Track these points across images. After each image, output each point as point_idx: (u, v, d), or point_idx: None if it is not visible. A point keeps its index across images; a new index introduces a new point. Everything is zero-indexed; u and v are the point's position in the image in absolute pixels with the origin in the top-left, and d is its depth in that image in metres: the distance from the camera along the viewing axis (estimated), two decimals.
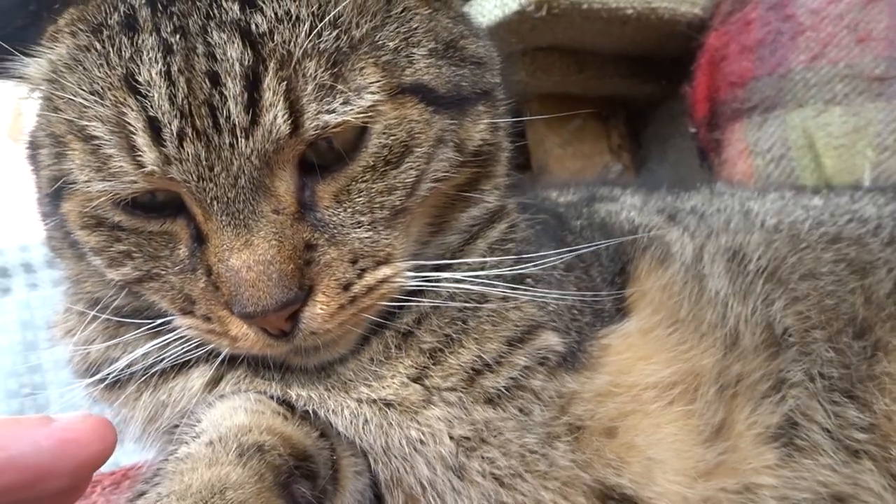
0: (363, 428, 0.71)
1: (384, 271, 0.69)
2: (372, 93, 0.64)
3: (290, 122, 0.61)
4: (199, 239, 0.66)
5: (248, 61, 0.61)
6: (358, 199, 0.67)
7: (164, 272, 0.68)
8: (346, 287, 0.67)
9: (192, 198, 0.64)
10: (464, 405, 0.71)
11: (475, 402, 0.71)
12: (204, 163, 0.62)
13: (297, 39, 0.61)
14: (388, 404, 0.71)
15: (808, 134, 1.59)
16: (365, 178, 0.67)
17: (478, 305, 0.74)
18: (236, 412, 0.69)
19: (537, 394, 0.73)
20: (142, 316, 0.75)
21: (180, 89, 0.61)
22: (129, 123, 0.62)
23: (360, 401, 0.71)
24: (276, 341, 0.66)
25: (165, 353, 0.72)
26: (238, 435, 0.64)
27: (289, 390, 0.72)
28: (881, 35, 1.53)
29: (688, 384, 0.79)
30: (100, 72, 0.63)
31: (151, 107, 0.61)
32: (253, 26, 0.61)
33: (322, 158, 0.66)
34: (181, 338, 0.71)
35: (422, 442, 0.70)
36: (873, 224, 0.96)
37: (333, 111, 0.62)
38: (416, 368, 0.72)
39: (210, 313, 0.67)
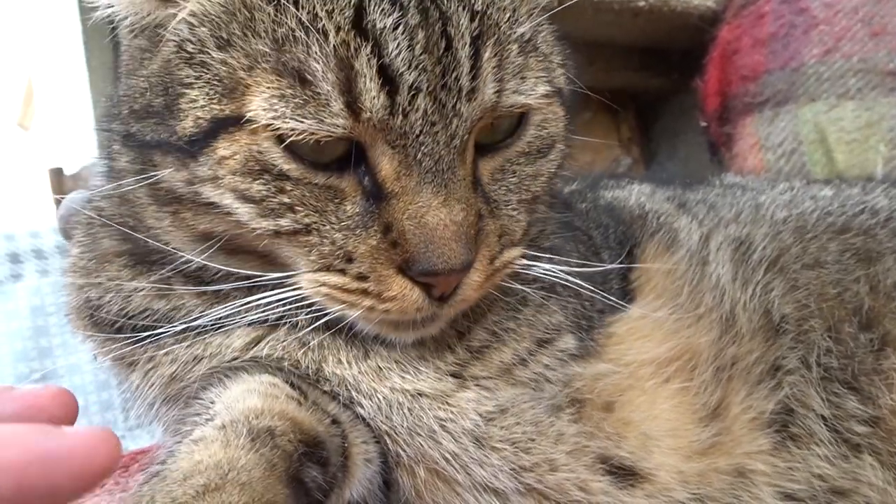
0: (391, 411, 0.72)
1: (513, 252, 0.73)
2: (542, 85, 0.70)
3: (495, 94, 0.66)
4: (377, 196, 0.66)
5: (474, 32, 0.65)
6: (511, 180, 0.73)
7: (325, 227, 0.67)
8: (492, 261, 0.70)
9: (389, 153, 0.65)
10: (496, 389, 0.75)
11: (504, 385, 0.75)
12: (429, 119, 0.64)
13: (503, 23, 0.68)
14: (421, 394, 0.73)
15: (820, 128, 1.57)
16: (518, 162, 0.73)
17: (521, 308, 0.79)
18: (250, 395, 0.69)
19: (549, 378, 0.77)
20: (213, 280, 0.74)
21: (418, 44, 0.63)
22: (358, 66, 0.62)
23: (393, 389, 0.73)
24: (431, 305, 0.68)
25: (252, 313, 0.71)
26: (250, 418, 0.64)
27: (324, 365, 0.73)
28: None
29: (684, 362, 0.80)
30: (322, 10, 0.62)
31: (387, 55, 0.62)
32: (474, 2, 0.66)
33: (482, 138, 0.70)
34: (288, 298, 0.70)
35: (451, 420, 0.72)
36: (884, 215, 0.94)
37: (522, 93, 0.68)
38: (459, 365, 0.75)
39: (370, 272, 0.67)
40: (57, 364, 1.98)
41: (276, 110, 0.63)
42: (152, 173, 0.70)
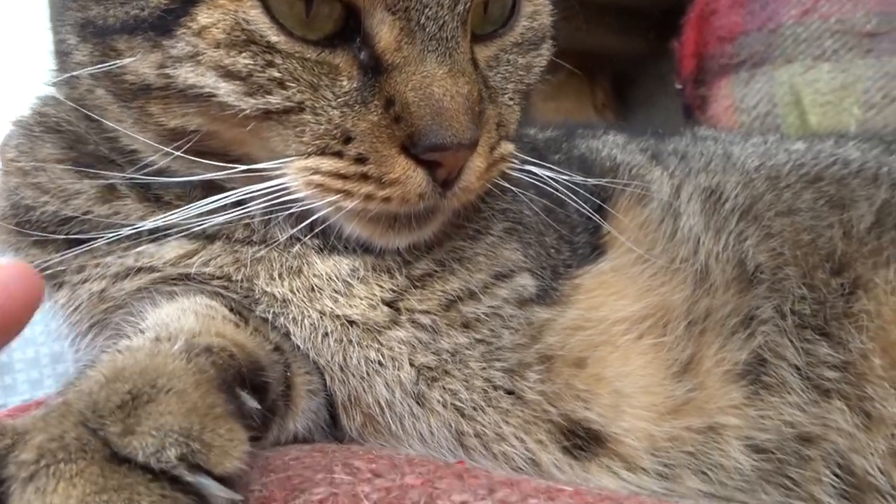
0: (322, 341, 0.68)
1: (509, 147, 0.71)
2: None
3: None
4: (376, 70, 0.63)
5: None
6: (506, 68, 0.72)
7: (320, 105, 0.62)
8: (491, 150, 0.68)
9: (389, 20, 0.61)
10: (436, 329, 0.70)
11: (450, 325, 0.71)
12: None
13: None
14: (352, 322, 0.69)
15: (796, 90, 1.56)
16: (513, 52, 0.73)
17: (479, 236, 0.76)
18: (185, 314, 0.64)
19: (506, 320, 0.73)
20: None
21: None
22: None
23: (322, 313, 0.68)
24: (435, 191, 0.64)
25: (214, 216, 0.66)
26: (187, 335, 0.59)
27: (255, 282, 0.69)
28: None
29: (657, 318, 0.78)
30: None
31: None
32: None
33: (475, 27, 0.68)
34: (267, 194, 0.64)
35: (381, 364, 0.68)
36: (856, 165, 0.93)
37: None
38: (395, 292, 0.70)
39: (371, 152, 0.62)
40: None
41: None
42: (115, 62, 0.64)
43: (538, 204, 0.80)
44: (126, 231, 0.68)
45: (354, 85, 0.62)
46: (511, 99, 0.72)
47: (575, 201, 0.77)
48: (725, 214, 0.88)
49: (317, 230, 0.68)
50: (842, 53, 1.52)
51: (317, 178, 0.63)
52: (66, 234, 0.71)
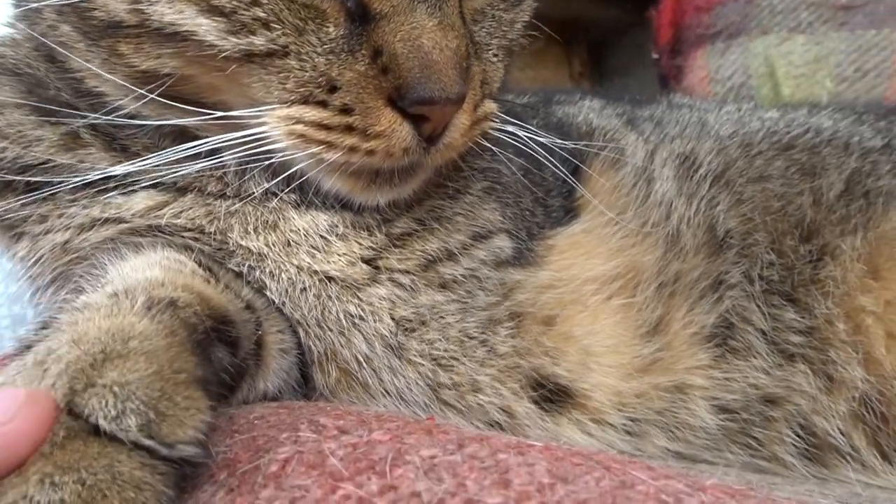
0: (299, 296, 0.67)
1: (492, 105, 0.70)
2: None
3: None
4: (363, 18, 0.61)
5: None
6: (491, 24, 0.72)
7: (305, 50, 0.60)
8: (475, 107, 0.67)
9: None
10: (415, 289, 0.70)
11: (428, 285, 0.71)
12: None
13: None
14: (330, 278, 0.68)
15: (770, 62, 1.56)
16: (497, 7, 0.72)
17: (458, 195, 0.75)
18: (151, 267, 0.62)
19: (482, 281, 0.73)
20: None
21: None
22: None
23: (299, 268, 0.67)
24: (419, 146, 0.62)
25: (182, 165, 0.64)
26: (148, 288, 0.57)
27: (229, 235, 0.67)
28: None
29: (628, 279, 0.79)
30: None
31: None
32: None
33: None
34: (245, 142, 0.62)
35: (361, 318, 0.68)
36: (828, 134, 0.94)
37: None
38: (374, 251, 0.69)
39: (356, 103, 0.60)
40: None
41: None
42: None
43: (516, 164, 0.80)
44: (93, 176, 0.66)
45: (341, 32, 0.61)
46: (495, 55, 0.71)
47: (552, 163, 0.77)
48: (698, 180, 0.88)
49: (294, 184, 0.67)
50: (816, 26, 1.53)
51: (299, 127, 0.62)
52: (27, 184, 0.68)
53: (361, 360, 0.68)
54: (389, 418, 0.56)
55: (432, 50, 0.59)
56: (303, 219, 0.68)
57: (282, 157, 0.64)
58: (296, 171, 0.65)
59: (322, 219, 0.69)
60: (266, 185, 0.67)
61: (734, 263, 0.82)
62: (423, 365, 0.69)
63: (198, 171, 0.66)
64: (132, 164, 0.65)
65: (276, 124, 0.62)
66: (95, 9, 0.61)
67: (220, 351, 0.58)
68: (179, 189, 0.68)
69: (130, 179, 0.67)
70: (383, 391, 0.69)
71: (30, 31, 0.69)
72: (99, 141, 0.69)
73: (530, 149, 0.75)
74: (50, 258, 0.69)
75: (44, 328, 0.55)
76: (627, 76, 2.11)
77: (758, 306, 0.80)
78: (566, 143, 0.81)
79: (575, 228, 0.83)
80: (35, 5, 0.66)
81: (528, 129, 0.74)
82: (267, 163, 0.65)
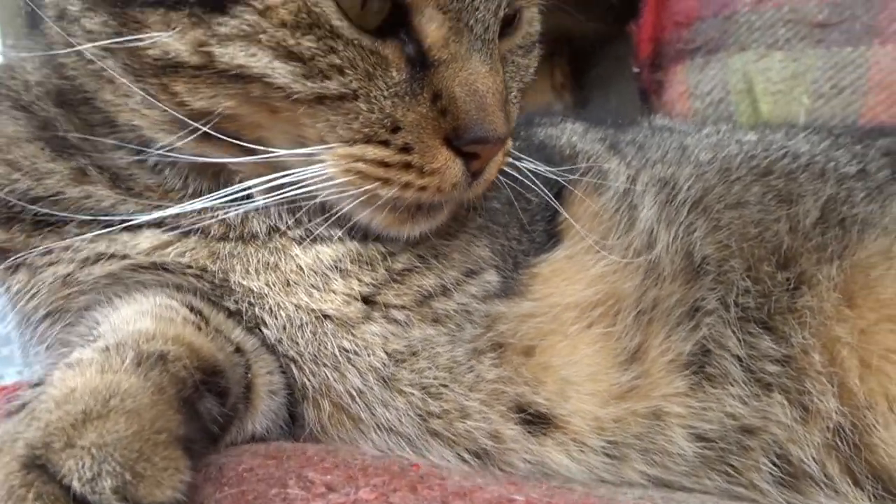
0: (297, 332, 0.69)
1: (510, 143, 0.74)
2: None
3: None
4: (423, 64, 0.66)
5: None
6: (511, 68, 0.77)
7: (374, 94, 0.64)
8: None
9: (439, 18, 0.64)
10: (409, 323, 0.72)
11: (422, 320, 0.73)
12: None
13: None
14: (326, 316, 0.70)
15: (748, 78, 1.58)
16: (517, 53, 0.78)
17: (457, 233, 0.78)
18: (142, 317, 0.63)
19: (471, 314, 0.76)
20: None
21: None
22: None
23: (298, 306, 0.69)
24: (465, 181, 0.68)
25: (242, 202, 0.67)
26: (139, 342, 0.58)
27: (230, 275, 0.69)
28: None
29: (608, 306, 0.80)
30: None
31: None
32: None
33: None
34: (303, 179, 0.65)
35: (355, 353, 0.70)
36: (805, 159, 0.95)
37: None
38: (374, 287, 0.72)
39: (416, 142, 0.65)
40: None
41: None
42: (140, 36, 0.62)
43: (504, 194, 0.82)
44: (151, 217, 0.68)
45: (404, 76, 0.65)
46: (515, 97, 0.77)
47: (540, 189, 0.79)
48: (677, 206, 0.89)
49: (324, 219, 0.69)
50: (794, 43, 1.55)
51: (360, 165, 0.65)
52: (35, 213, 0.70)
53: (355, 394, 0.70)
54: (375, 472, 0.57)
55: (486, 94, 0.64)
56: (307, 255, 0.70)
57: (331, 194, 0.66)
58: (336, 207, 0.68)
59: (327, 253, 0.71)
60: (271, 222, 0.70)
61: (710, 290, 0.83)
62: (414, 394, 0.71)
63: (198, 212, 0.69)
64: (189, 203, 0.67)
65: (336, 162, 0.65)
66: (150, 48, 0.62)
67: (209, 402, 0.59)
68: (183, 232, 0.70)
69: (135, 217, 0.68)
70: (375, 425, 0.70)
71: (45, 69, 0.71)
72: (104, 178, 0.70)
73: (519, 173, 0.77)
74: (49, 291, 0.70)
75: (38, 384, 0.56)
76: (607, 88, 2.11)
77: (734, 332, 0.81)
78: (551, 169, 0.82)
79: (558, 254, 0.84)
80: (84, 46, 0.66)
81: (517, 155, 0.78)
82: (314, 200, 0.67)
